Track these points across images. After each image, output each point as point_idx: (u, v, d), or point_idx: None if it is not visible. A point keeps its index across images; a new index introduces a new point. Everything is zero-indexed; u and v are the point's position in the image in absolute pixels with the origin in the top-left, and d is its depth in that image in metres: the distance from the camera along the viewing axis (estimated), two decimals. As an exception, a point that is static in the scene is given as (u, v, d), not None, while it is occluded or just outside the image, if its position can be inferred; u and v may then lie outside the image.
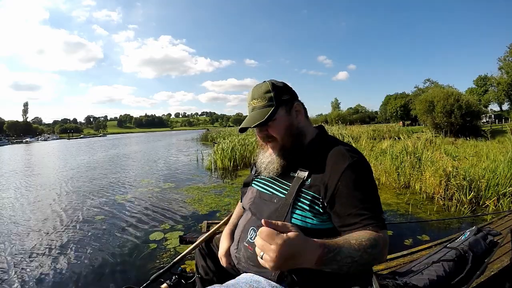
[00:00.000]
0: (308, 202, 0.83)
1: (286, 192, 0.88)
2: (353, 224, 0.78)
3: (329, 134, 1.01)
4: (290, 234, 0.60)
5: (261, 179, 1.01)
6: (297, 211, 0.84)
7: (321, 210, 0.82)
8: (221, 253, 1.07)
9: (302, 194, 0.84)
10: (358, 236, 0.72)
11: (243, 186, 1.13)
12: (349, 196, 0.78)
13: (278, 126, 0.90)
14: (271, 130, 0.90)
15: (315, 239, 0.65)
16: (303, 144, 0.93)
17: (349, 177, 0.79)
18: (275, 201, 0.90)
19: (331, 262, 0.65)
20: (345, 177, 0.79)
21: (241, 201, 1.15)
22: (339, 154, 0.84)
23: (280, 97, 0.90)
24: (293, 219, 0.83)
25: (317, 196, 0.82)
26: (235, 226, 1.11)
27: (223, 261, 1.06)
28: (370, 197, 0.80)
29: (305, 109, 0.97)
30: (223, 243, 1.08)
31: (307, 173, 0.85)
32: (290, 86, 0.96)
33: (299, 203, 0.84)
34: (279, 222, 0.62)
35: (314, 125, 1.01)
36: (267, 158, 0.96)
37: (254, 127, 0.89)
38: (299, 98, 0.98)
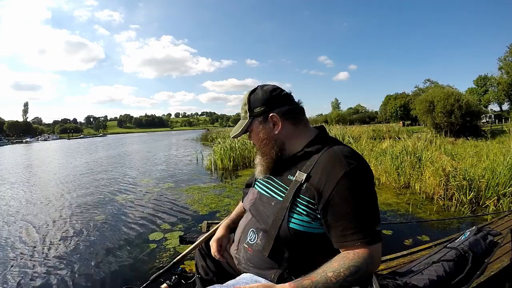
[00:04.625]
0: (304, 207, 0.82)
1: (284, 195, 0.86)
2: (341, 236, 0.78)
3: (330, 135, 0.99)
4: None
5: (262, 180, 1.00)
6: (295, 215, 0.83)
7: (318, 216, 0.81)
8: (213, 239, 1.12)
9: (299, 199, 0.83)
10: (337, 266, 0.75)
11: (246, 187, 1.13)
12: (342, 206, 0.77)
13: (254, 137, 0.97)
14: (251, 139, 0.99)
15: (287, 284, 0.74)
16: (287, 152, 0.93)
17: (344, 187, 0.77)
18: (273, 203, 0.89)
19: None
20: (340, 186, 0.77)
21: (242, 202, 1.15)
22: (336, 160, 0.81)
23: (253, 110, 0.93)
24: (290, 223, 0.83)
25: (312, 201, 0.81)
26: (233, 222, 1.15)
27: (213, 246, 1.09)
28: (364, 209, 0.78)
29: (294, 115, 0.93)
30: (218, 232, 1.14)
31: (304, 176, 0.83)
32: (277, 92, 0.93)
33: (297, 208, 0.83)
34: (246, 287, 0.75)
35: (314, 125, 0.99)
36: (257, 160, 0.99)
37: (233, 137, 1.01)
38: (300, 98, 0.96)
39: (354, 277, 0.74)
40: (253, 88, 0.97)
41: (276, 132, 0.92)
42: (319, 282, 0.73)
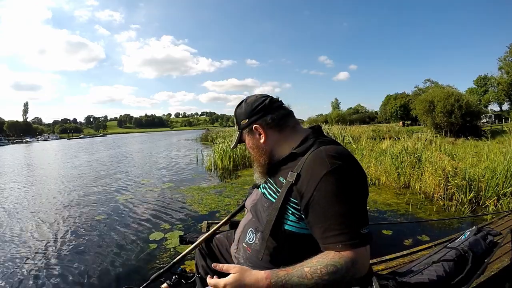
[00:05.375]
0: (292, 209, 0.82)
1: (276, 197, 0.87)
2: (323, 238, 0.76)
3: (326, 135, 0.99)
4: (227, 279, 0.79)
5: (265, 183, 1.01)
6: (288, 217, 0.83)
7: (303, 216, 0.81)
8: None
9: (288, 202, 0.83)
10: (315, 263, 0.74)
11: (252, 187, 1.14)
12: (323, 207, 0.75)
13: (248, 147, 1.02)
14: (247, 148, 1.04)
15: (263, 271, 0.77)
16: (276, 159, 0.94)
17: (325, 187, 0.75)
18: (266, 205, 0.90)
19: None
20: (321, 187, 0.75)
21: (244, 201, 1.16)
22: (319, 160, 0.79)
23: (240, 123, 1.00)
24: (286, 225, 0.83)
25: (296, 201, 0.81)
26: None
27: None
28: (347, 211, 0.75)
29: (277, 122, 0.94)
30: None
31: (294, 177, 0.83)
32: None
33: (288, 209, 0.83)
34: (224, 266, 0.83)
35: (309, 126, 0.99)
36: (254, 167, 1.02)
37: (231, 149, 1.07)
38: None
39: (331, 277, 0.72)
40: (240, 102, 1.04)
41: (262, 141, 0.96)
42: (294, 275, 0.73)
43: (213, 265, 0.85)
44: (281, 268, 0.77)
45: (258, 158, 0.97)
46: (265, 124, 0.94)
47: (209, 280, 0.82)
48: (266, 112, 0.95)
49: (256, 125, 0.95)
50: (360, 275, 0.76)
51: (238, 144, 1.07)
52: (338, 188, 0.75)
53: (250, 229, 0.95)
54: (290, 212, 0.83)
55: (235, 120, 1.03)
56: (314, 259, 0.75)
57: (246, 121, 0.97)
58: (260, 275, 0.76)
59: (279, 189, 0.88)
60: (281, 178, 0.88)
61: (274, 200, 0.88)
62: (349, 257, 0.73)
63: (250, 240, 0.93)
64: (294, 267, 0.76)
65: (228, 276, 0.79)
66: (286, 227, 0.83)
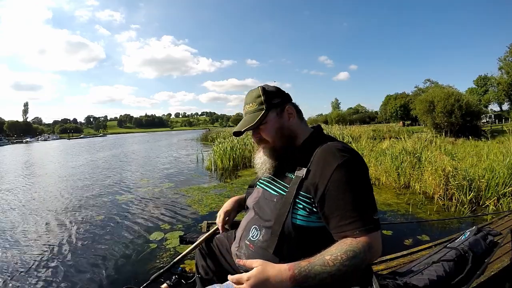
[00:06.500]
0: (303, 203, 0.84)
1: (286, 192, 0.88)
2: (339, 226, 0.79)
3: (327, 133, 1.04)
4: (251, 272, 0.77)
5: (265, 180, 1.02)
6: (298, 211, 0.85)
7: (315, 210, 0.84)
8: (221, 210, 1.19)
9: (299, 196, 0.85)
10: (335, 250, 0.76)
11: (249, 187, 1.14)
12: (338, 197, 0.79)
13: (269, 129, 0.95)
14: (263, 132, 0.96)
15: (284, 264, 0.77)
16: (295, 145, 0.96)
17: (338, 178, 0.79)
18: (275, 200, 0.91)
19: (307, 280, 0.74)
20: (334, 178, 0.80)
21: (245, 201, 1.16)
22: (329, 153, 0.84)
23: (271, 100, 0.95)
24: (296, 219, 0.84)
25: (309, 195, 0.84)
26: (243, 199, 1.19)
27: (220, 217, 1.17)
28: (359, 199, 0.79)
29: (299, 111, 1.01)
30: (227, 204, 1.21)
31: (305, 172, 0.86)
32: (283, 89, 1.00)
33: (298, 203, 0.85)
34: (247, 262, 0.81)
35: (311, 125, 1.03)
36: (260, 159, 1.00)
37: (245, 130, 0.94)
38: (300, 98, 1.00)
39: (351, 262, 0.74)
40: (260, 86, 1.00)
41: (291, 123, 0.97)
42: (316, 264, 0.75)
43: (236, 261, 0.85)
44: (302, 259, 0.78)
45: (278, 140, 0.95)
46: (294, 107, 0.99)
47: (230, 277, 0.82)
48: (290, 98, 1.01)
49: (289, 105, 0.97)
50: (375, 259, 0.81)
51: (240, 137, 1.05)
52: (350, 178, 0.80)
53: (254, 226, 0.95)
54: (301, 206, 0.84)
55: (262, 98, 0.94)
56: (333, 247, 0.78)
57: (279, 100, 0.96)
58: (282, 267, 0.77)
59: (286, 185, 0.89)
60: (288, 174, 0.91)
61: (283, 195, 0.89)
62: (365, 242, 0.76)
63: (254, 237, 0.94)
64: (314, 257, 0.77)
65: (251, 270, 0.79)
66: (296, 221, 0.84)
